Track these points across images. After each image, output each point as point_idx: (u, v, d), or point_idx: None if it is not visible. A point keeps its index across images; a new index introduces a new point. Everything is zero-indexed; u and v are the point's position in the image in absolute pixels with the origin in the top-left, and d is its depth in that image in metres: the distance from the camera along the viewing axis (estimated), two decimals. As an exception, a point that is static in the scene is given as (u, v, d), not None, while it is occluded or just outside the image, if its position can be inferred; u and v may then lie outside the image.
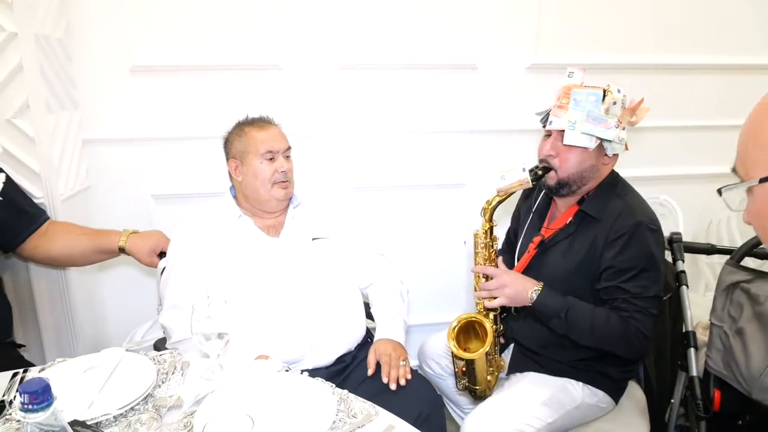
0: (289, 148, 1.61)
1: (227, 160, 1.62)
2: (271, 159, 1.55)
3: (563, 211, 1.56)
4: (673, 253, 1.66)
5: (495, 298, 1.45)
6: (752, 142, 0.80)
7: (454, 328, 1.52)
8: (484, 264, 1.53)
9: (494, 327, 1.53)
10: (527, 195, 1.73)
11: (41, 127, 1.67)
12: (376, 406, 1.11)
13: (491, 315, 1.54)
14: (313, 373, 1.32)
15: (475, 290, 1.53)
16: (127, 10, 1.82)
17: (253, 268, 1.51)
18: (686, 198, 2.27)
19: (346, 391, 1.15)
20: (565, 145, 1.42)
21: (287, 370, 1.25)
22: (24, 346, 1.64)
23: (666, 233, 1.87)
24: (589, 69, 1.49)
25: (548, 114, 1.46)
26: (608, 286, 1.43)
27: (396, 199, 2.11)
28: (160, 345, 1.64)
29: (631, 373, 1.60)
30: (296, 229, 1.61)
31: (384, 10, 1.94)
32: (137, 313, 1.93)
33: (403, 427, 1.05)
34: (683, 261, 1.64)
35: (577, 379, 1.53)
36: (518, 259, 1.62)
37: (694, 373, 1.44)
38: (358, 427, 1.03)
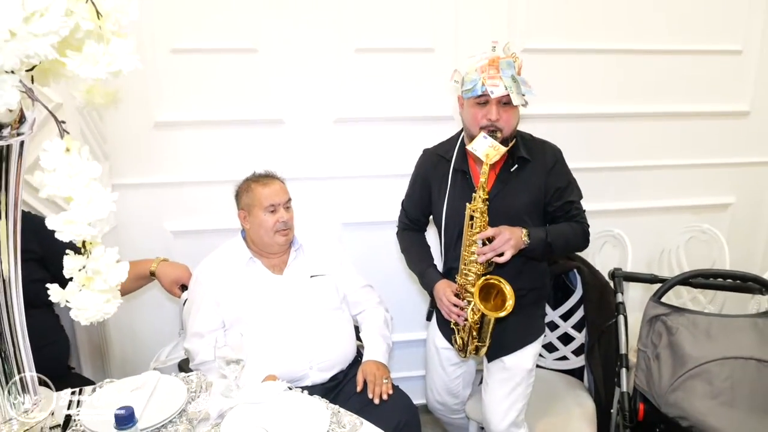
0: (289, 199, 1.91)
1: (238, 210, 1.92)
2: (273, 211, 1.85)
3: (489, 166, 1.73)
4: (614, 286, 1.97)
5: (501, 254, 1.65)
6: None
7: (478, 289, 1.71)
8: (480, 231, 1.69)
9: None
10: (428, 170, 1.92)
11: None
12: (362, 419, 1.41)
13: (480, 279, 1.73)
14: (312, 389, 1.63)
15: (469, 259, 1.72)
16: (149, 73, 2.10)
17: (262, 302, 1.82)
18: (640, 229, 2.59)
19: (337, 407, 1.45)
20: (505, 106, 1.68)
21: (290, 389, 1.56)
22: (74, 368, 1.94)
23: (617, 264, 2.19)
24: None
25: (475, 88, 1.66)
26: (560, 204, 1.82)
27: (382, 234, 2.39)
28: (183, 365, 1.94)
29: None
30: (297, 268, 1.91)
31: (370, 73, 2.24)
32: (160, 335, 2.22)
33: (382, 436, 1.36)
34: (623, 293, 1.94)
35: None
36: (451, 226, 1.83)
37: (624, 389, 1.74)
38: (347, 435, 1.34)
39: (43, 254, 1.63)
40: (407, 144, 2.32)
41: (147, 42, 2.05)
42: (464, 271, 1.77)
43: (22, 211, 1.77)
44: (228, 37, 2.11)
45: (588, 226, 1.86)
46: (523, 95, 1.68)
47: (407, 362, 2.56)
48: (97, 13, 0.60)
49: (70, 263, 0.67)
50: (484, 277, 1.73)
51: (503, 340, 1.86)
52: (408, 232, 2.06)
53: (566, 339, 2.22)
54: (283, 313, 1.81)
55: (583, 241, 1.85)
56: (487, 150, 1.64)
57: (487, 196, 1.69)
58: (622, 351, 1.80)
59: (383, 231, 2.38)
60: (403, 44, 2.24)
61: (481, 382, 2.02)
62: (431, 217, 2.01)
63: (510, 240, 1.65)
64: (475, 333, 1.81)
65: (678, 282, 1.77)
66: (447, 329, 1.94)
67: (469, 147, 1.69)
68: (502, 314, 1.68)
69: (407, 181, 2.35)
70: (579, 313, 2.15)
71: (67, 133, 0.62)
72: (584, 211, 1.87)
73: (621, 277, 1.97)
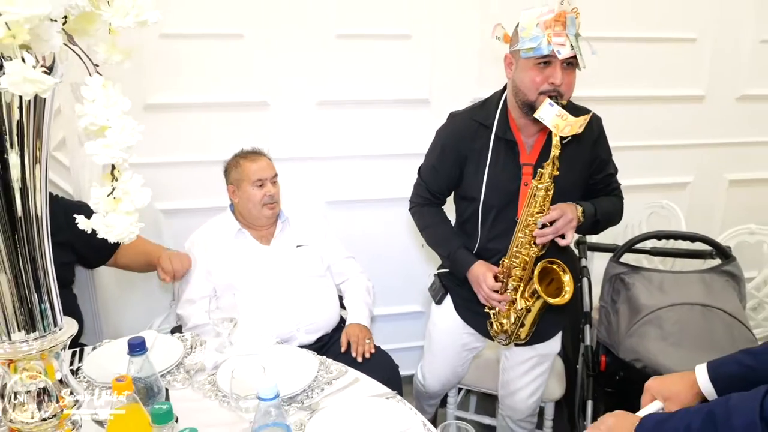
0: (275, 174, 2.02)
1: (227, 184, 2.04)
2: (260, 185, 1.96)
3: (533, 135, 1.64)
4: (578, 253, 2.13)
5: (563, 236, 1.55)
6: None
7: (537, 272, 1.59)
8: (541, 211, 1.55)
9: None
10: (462, 138, 1.69)
11: (75, 159, 2.07)
12: (347, 366, 1.54)
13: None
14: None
15: (523, 240, 1.58)
16: (139, 58, 2.18)
17: (251, 270, 1.93)
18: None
19: (325, 357, 1.58)
20: (567, 68, 1.50)
21: (280, 343, 1.68)
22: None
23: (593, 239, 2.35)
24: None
25: (540, 46, 1.46)
26: (602, 177, 1.73)
27: (363, 211, 2.52)
28: (175, 332, 2.05)
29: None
30: (283, 239, 2.03)
31: (351, 58, 2.36)
32: (152, 309, 2.32)
33: (365, 379, 1.49)
34: (586, 258, 2.10)
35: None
36: (491, 203, 1.66)
37: (588, 342, 1.90)
38: (334, 379, 1.47)
39: (71, 236, 1.72)
40: (386, 126, 2.46)
41: (136, 27, 2.14)
42: (515, 253, 1.62)
43: (54, 195, 1.89)
44: (215, 23, 2.21)
45: (623, 199, 1.79)
46: (582, 55, 1.50)
47: (387, 335, 2.69)
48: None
49: (98, 193, 0.79)
50: (543, 261, 1.59)
51: (541, 326, 1.73)
52: (428, 207, 1.86)
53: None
54: (270, 280, 1.93)
55: (621, 215, 1.78)
56: (554, 119, 1.44)
57: (557, 173, 1.52)
58: (586, 309, 1.96)
59: (364, 209, 2.52)
60: (382, 31, 2.36)
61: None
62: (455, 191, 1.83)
63: (573, 221, 1.55)
64: (522, 320, 1.67)
65: (634, 242, 1.93)
66: (471, 314, 1.83)
67: (536, 114, 1.48)
68: (564, 301, 1.57)
69: (388, 161, 2.47)
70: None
71: (101, 75, 0.74)
72: (620, 184, 1.81)
73: (585, 244, 2.13)
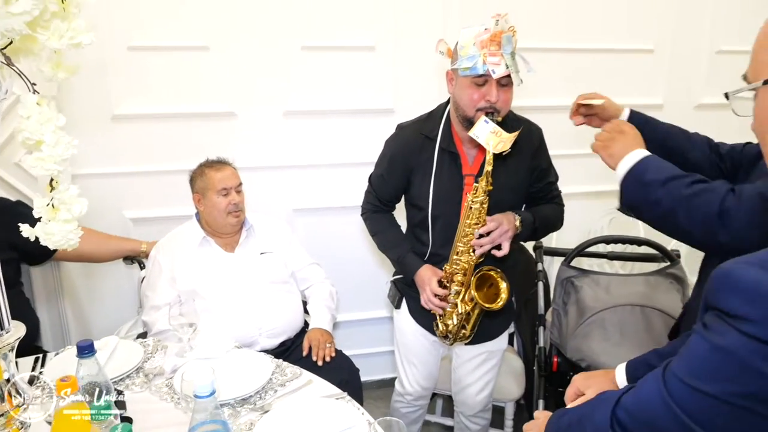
0: (240, 183, 2.08)
1: (192, 193, 2.08)
2: (225, 194, 2.01)
3: (476, 147, 1.69)
4: (536, 257, 2.20)
5: (499, 247, 1.61)
6: (762, 44, 0.79)
7: (475, 279, 1.66)
8: (478, 222, 1.61)
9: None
10: (408, 149, 1.75)
11: (42, 168, 2.11)
12: (302, 369, 1.59)
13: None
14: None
15: (462, 249, 1.64)
16: (107, 69, 2.22)
17: (215, 277, 1.98)
18: (569, 212, 2.84)
19: (281, 360, 1.63)
20: (503, 86, 1.56)
21: (240, 348, 1.72)
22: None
23: (552, 244, 2.42)
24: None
25: (475, 66, 1.51)
26: (543, 185, 1.79)
27: (329, 218, 2.57)
28: (142, 338, 2.09)
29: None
30: (248, 246, 2.08)
31: (317, 69, 2.43)
32: (120, 315, 2.35)
33: (318, 381, 1.54)
34: (542, 263, 2.18)
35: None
36: (437, 212, 1.71)
37: (541, 344, 1.97)
38: (287, 381, 1.52)
39: (7, 233, 1.76)
40: (351, 135, 2.53)
41: (105, 39, 2.15)
42: (455, 261, 1.69)
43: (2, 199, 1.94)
44: (181, 36, 2.26)
45: (564, 206, 1.85)
46: (518, 72, 1.56)
47: (351, 340, 2.74)
48: (61, -3, 0.78)
49: (39, 202, 0.84)
50: (480, 269, 1.66)
51: (487, 326, 1.80)
52: (378, 214, 1.93)
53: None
54: (234, 287, 1.98)
55: (561, 221, 1.84)
56: (489, 136, 1.51)
57: (491, 188, 1.58)
58: (540, 312, 2.03)
59: (330, 216, 2.58)
60: (346, 43, 2.43)
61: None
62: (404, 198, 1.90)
63: (508, 231, 1.61)
64: (463, 322, 1.73)
65: (585, 246, 2.01)
66: (422, 316, 1.88)
67: (470, 133, 1.55)
68: (498, 306, 1.64)
69: (353, 169, 2.52)
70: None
71: (38, 92, 0.80)
72: (561, 191, 1.87)
73: (541, 249, 2.20)
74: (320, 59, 2.44)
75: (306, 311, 2.15)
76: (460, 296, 1.70)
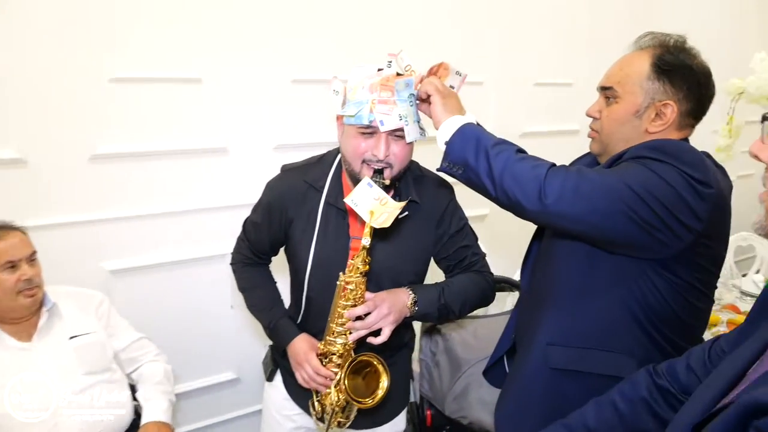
0: (33, 252, 1.62)
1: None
2: (12, 267, 1.57)
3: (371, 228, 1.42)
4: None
5: (378, 333, 1.34)
6: None
7: (346, 374, 1.37)
8: (355, 303, 1.36)
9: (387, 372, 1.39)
10: (290, 198, 1.49)
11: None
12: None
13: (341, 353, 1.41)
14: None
15: (337, 330, 1.38)
16: (84, 103, 1.86)
17: (6, 380, 1.51)
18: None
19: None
20: (397, 139, 1.31)
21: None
22: None
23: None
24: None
25: (360, 114, 1.27)
26: (454, 251, 1.48)
27: (160, 278, 2.18)
28: None
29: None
30: (51, 331, 1.64)
31: (307, 108, 2.24)
32: None
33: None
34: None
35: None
36: (317, 276, 1.47)
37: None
38: None
39: None
40: (175, 178, 2.18)
41: (82, 71, 1.84)
42: (329, 340, 1.41)
43: None
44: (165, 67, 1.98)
45: (491, 274, 1.55)
46: (418, 122, 1.31)
47: (197, 413, 2.37)
48: None
49: None
50: (360, 355, 1.39)
51: (373, 411, 1.50)
52: (250, 267, 1.64)
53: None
54: (34, 389, 1.53)
55: (490, 292, 1.53)
56: (372, 205, 1.23)
57: (368, 268, 1.33)
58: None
59: (159, 273, 2.18)
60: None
61: None
62: (282, 250, 1.63)
63: (389, 315, 1.33)
64: (339, 410, 1.45)
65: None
66: (299, 393, 1.60)
67: (347, 200, 1.27)
68: (372, 404, 1.37)
69: (180, 218, 2.18)
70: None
71: None
72: (484, 255, 1.56)
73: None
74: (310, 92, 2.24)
75: (135, 398, 1.77)
76: (334, 382, 1.41)
